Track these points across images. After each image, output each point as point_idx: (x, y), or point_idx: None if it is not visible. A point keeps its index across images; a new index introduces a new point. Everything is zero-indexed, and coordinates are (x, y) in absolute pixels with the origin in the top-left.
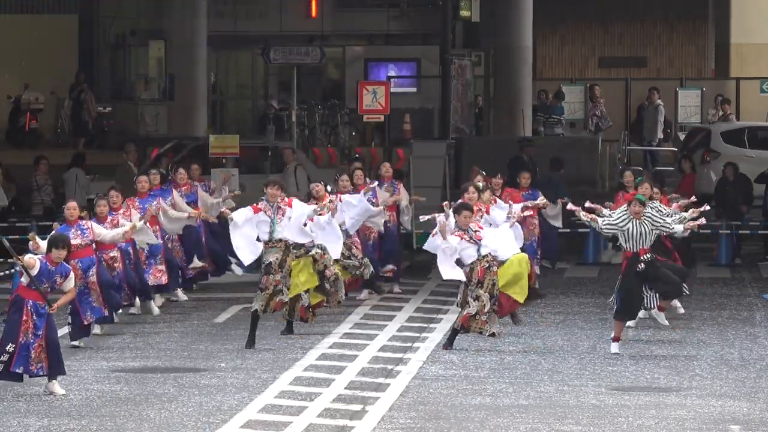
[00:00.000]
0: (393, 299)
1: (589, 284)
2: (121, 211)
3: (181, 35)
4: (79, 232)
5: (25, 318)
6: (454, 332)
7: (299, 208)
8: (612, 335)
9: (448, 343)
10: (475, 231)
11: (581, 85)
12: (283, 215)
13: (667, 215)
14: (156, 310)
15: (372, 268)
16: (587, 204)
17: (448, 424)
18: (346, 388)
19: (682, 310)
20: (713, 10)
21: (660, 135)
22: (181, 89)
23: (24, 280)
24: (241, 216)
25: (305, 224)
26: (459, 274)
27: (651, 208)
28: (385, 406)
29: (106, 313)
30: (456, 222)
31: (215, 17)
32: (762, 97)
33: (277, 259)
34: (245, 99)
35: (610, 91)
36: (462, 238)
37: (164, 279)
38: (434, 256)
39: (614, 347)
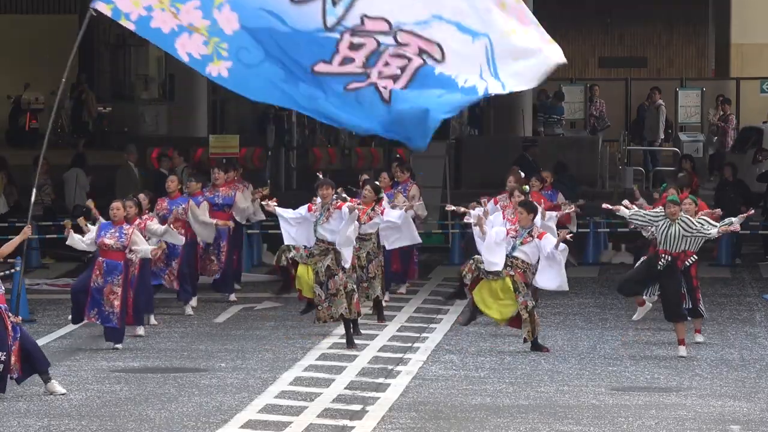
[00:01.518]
0: (393, 299)
1: (589, 284)
2: (136, 222)
3: None
4: (117, 234)
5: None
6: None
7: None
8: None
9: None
10: (537, 234)
11: (581, 85)
12: (327, 219)
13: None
14: (153, 320)
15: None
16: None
17: (448, 424)
18: (346, 388)
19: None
20: (713, 11)
21: (662, 135)
22: (181, 89)
23: None
24: (296, 212)
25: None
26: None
27: (697, 221)
28: (385, 406)
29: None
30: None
31: None
32: (762, 97)
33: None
34: (245, 99)
35: (610, 91)
36: (509, 235)
37: (176, 284)
38: (434, 256)
39: (638, 314)
